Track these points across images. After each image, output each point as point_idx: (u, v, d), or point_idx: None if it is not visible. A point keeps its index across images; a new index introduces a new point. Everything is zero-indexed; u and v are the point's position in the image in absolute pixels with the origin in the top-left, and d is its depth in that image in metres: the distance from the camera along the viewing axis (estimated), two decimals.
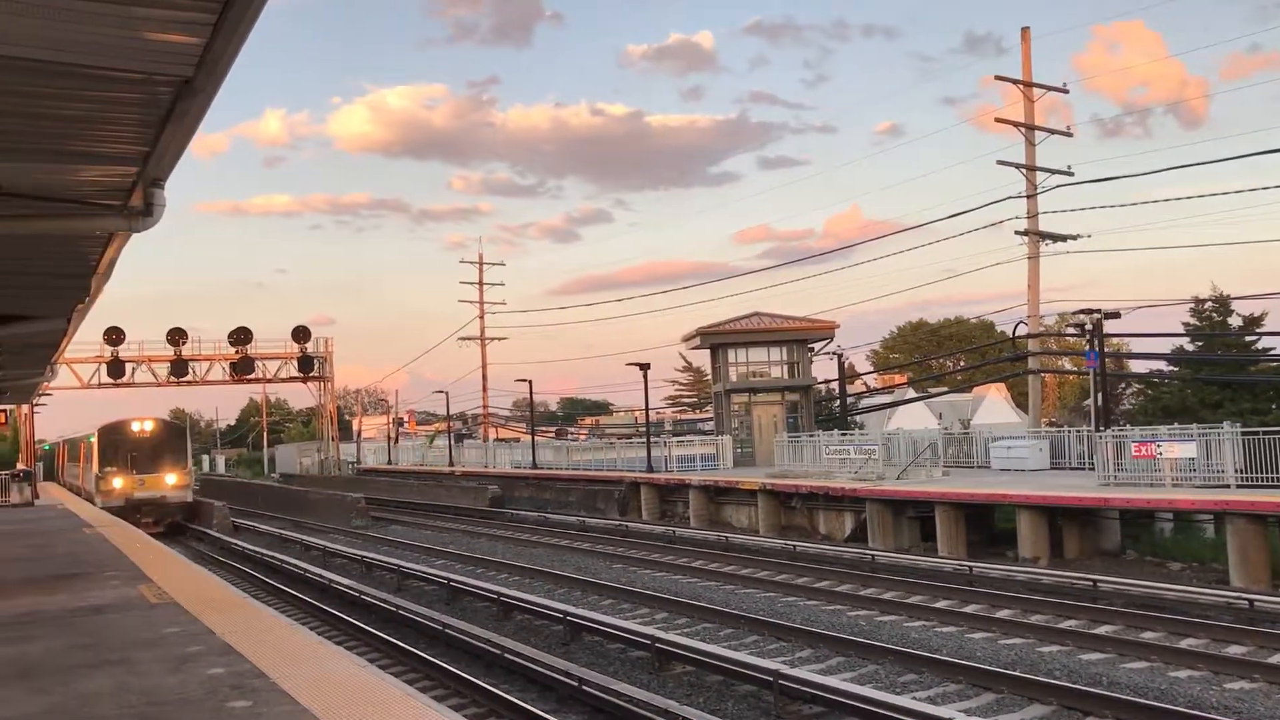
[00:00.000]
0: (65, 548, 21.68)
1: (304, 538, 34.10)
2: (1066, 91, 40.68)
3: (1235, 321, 38.59)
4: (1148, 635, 15.36)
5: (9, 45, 5.62)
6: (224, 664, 9.73)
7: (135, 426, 39.67)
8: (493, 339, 70.61)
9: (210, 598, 14.01)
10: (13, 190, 7.54)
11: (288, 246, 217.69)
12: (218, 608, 13.09)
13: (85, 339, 52.82)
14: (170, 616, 12.57)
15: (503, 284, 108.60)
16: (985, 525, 26.07)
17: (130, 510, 36.51)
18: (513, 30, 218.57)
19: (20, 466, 46.72)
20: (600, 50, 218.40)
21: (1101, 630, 15.74)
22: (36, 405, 54.72)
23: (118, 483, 38.31)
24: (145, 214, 8.11)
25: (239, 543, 33.51)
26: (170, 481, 39.65)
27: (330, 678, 9.05)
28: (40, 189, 7.66)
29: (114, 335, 54.97)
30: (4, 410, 43.11)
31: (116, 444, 39.26)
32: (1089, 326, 30.10)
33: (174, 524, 39.72)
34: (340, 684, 8.80)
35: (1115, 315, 30.76)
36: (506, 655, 14.57)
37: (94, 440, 40.05)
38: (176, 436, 41.90)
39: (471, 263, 70.33)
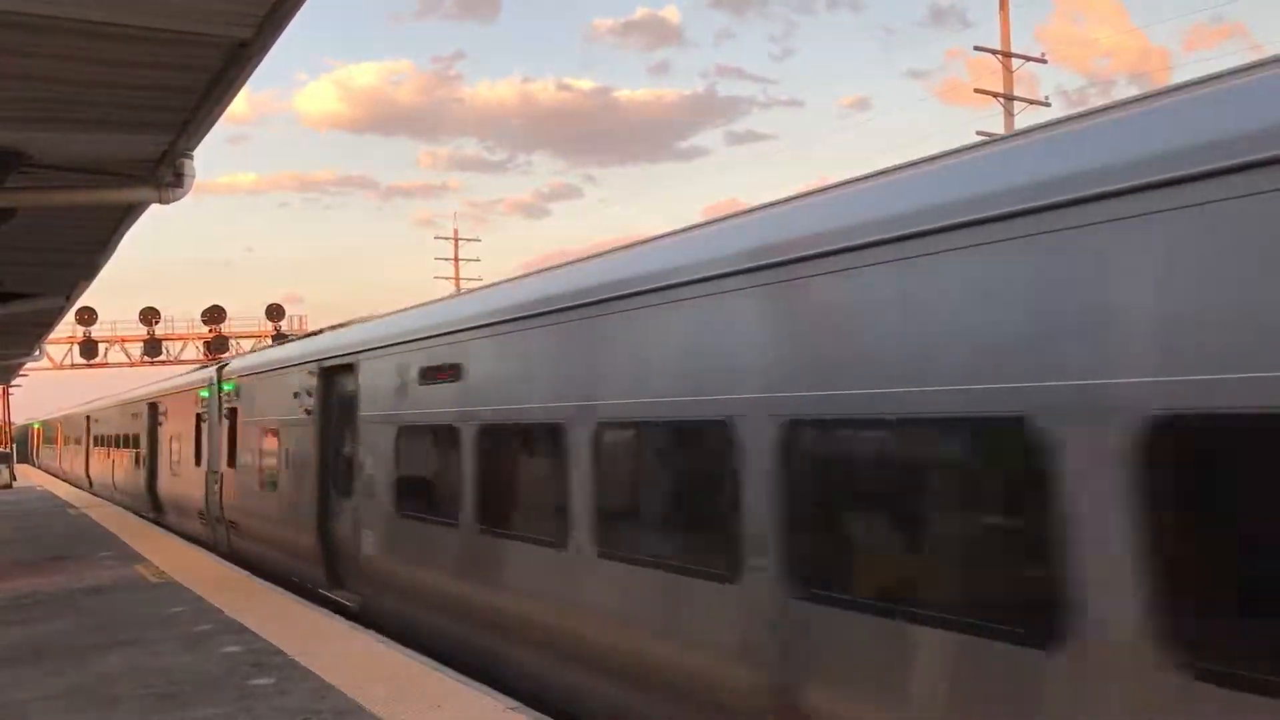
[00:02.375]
0: (54, 529, 21.47)
1: None
2: (1044, 62, 41.04)
3: None
4: None
5: (57, 5, 5.12)
6: (239, 642, 9.70)
7: None
8: None
9: (210, 576, 13.93)
10: (43, 161, 7.25)
11: (255, 224, 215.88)
12: (220, 586, 13.02)
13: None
14: (174, 595, 12.49)
15: (478, 260, 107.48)
16: None
17: None
18: (479, 4, 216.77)
19: None
20: (567, 24, 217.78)
21: None
22: (10, 387, 54.09)
23: None
24: (176, 185, 7.89)
25: None
26: None
27: (349, 653, 9.05)
28: (71, 160, 7.37)
29: (86, 315, 54.26)
30: None
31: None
32: None
33: None
34: (360, 659, 8.81)
35: None
36: None
37: None
38: None
39: (446, 238, 69.91)
